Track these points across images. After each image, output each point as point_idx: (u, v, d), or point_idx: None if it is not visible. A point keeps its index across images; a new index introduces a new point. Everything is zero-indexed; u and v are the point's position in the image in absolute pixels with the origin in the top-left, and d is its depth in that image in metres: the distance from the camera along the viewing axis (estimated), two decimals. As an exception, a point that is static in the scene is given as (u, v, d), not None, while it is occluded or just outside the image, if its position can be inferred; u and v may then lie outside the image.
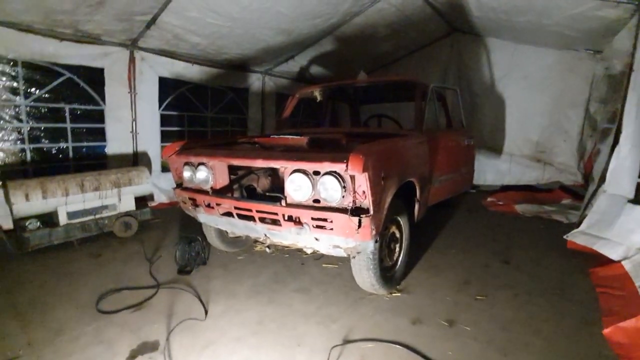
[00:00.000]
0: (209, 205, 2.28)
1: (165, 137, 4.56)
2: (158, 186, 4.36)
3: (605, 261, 2.59)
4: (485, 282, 2.42)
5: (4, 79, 3.34)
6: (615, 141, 2.99)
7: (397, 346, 1.70)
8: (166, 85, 4.54)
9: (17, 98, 3.42)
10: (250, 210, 2.05)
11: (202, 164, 2.31)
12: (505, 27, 4.78)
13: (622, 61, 3.63)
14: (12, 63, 3.35)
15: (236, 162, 2.17)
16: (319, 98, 3.80)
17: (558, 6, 3.51)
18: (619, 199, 2.82)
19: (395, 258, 2.36)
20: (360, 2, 4.29)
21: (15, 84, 3.40)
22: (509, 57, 5.36)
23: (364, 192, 1.74)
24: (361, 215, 1.72)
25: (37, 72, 3.54)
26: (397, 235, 2.35)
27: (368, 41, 5.38)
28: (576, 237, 2.97)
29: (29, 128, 3.53)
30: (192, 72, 4.73)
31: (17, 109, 3.44)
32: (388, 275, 2.24)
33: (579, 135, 5.04)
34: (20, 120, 3.47)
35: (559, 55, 4.95)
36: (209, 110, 5.27)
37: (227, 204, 2.17)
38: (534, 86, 5.24)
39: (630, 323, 1.78)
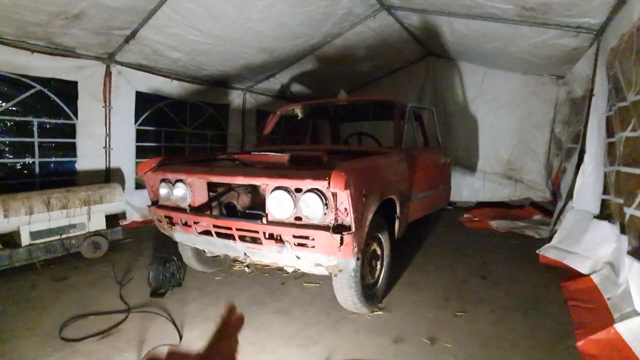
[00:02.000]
0: (186, 224, 2.20)
1: (141, 152, 4.43)
2: (131, 204, 4.19)
3: (575, 275, 2.69)
4: (464, 298, 2.45)
5: (-34, 90, 3.17)
6: (580, 160, 3.19)
7: (380, 367, 1.68)
8: (143, 100, 4.45)
9: (-20, 110, 3.25)
10: (230, 229, 2.00)
11: (180, 180, 2.25)
12: (476, 53, 5.08)
13: (582, 86, 3.93)
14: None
15: (216, 178, 2.13)
16: (300, 115, 3.84)
17: (523, 34, 3.78)
18: (586, 215, 2.97)
19: (376, 275, 2.35)
20: (340, 25, 4.44)
21: (-22, 96, 3.23)
22: (480, 80, 5.67)
23: (345, 209, 1.75)
24: (343, 233, 1.72)
25: (4, 84, 3.38)
26: (379, 252, 2.35)
27: (348, 61, 5.54)
28: (547, 252, 3.09)
29: (-9, 142, 3.34)
30: (171, 87, 4.67)
31: (-21, 122, 3.26)
32: (370, 293, 2.22)
33: (545, 154, 5.34)
34: (-18, 134, 3.27)
35: (524, 79, 5.30)
36: (188, 126, 5.19)
37: (206, 222, 2.11)
38: (503, 108, 5.55)
39: (601, 335, 1.84)
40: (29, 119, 3.56)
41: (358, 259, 1.95)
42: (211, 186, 2.34)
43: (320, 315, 2.19)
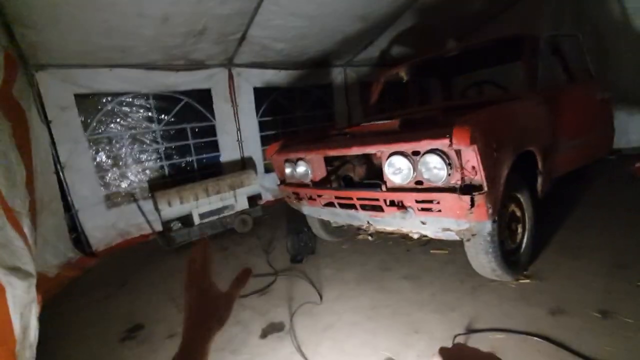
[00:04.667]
0: (311, 198, 2.39)
1: (265, 141, 5.00)
2: (264, 186, 4.81)
3: None
4: (648, 265, 1.93)
5: (141, 110, 4.16)
6: None
7: (536, 339, 1.49)
8: (260, 94, 4.96)
9: (153, 125, 4.22)
10: (350, 199, 2.08)
11: (301, 159, 2.43)
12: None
13: None
14: (145, 97, 4.14)
15: (332, 152, 2.22)
16: (405, 78, 3.61)
17: None
18: None
19: (518, 240, 2.08)
20: (442, -37, 3.89)
21: (150, 114, 4.19)
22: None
23: (473, 167, 1.57)
24: (473, 193, 1.56)
25: (163, 101, 4.29)
26: (518, 214, 2.05)
27: (455, 4, 4.85)
28: None
29: (164, 148, 4.32)
30: (280, 77, 5.06)
31: (153, 134, 4.25)
32: (511, 259, 1.98)
33: None
34: (157, 142, 4.27)
35: None
36: (299, 110, 5.56)
37: (328, 195, 2.24)
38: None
39: None
40: (184, 125, 4.45)
41: (494, 221, 1.75)
42: (328, 161, 2.46)
43: (453, 282, 2.09)
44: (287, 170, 2.60)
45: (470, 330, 1.62)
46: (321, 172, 2.43)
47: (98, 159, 3.96)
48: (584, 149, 2.87)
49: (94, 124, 3.85)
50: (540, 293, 1.83)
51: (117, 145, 4.08)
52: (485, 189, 1.58)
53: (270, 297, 2.27)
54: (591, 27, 4.71)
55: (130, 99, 4.06)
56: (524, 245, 2.09)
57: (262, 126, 5.05)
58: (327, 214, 2.45)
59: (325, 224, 2.85)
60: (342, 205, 2.18)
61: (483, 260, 1.87)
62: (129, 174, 4.14)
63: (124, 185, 4.10)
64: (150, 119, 4.22)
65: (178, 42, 3.65)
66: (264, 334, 1.87)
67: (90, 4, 2.74)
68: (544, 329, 1.55)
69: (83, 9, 2.76)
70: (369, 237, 2.94)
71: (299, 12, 3.79)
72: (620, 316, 1.56)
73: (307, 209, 2.59)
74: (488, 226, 1.73)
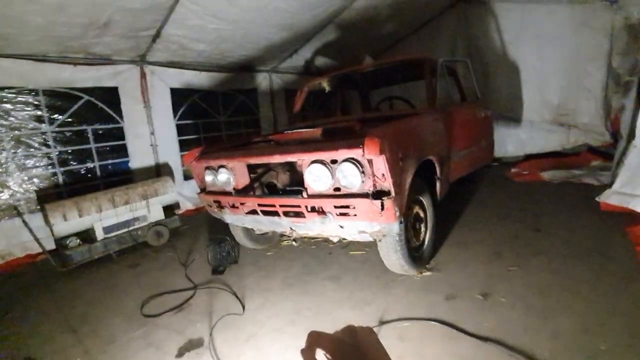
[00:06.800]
0: (233, 206, 2.34)
1: (183, 146, 4.68)
2: (182, 194, 4.50)
3: (643, 219, 2.49)
4: (517, 252, 2.38)
5: (28, 108, 3.53)
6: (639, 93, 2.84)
7: (433, 322, 1.72)
8: (178, 96, 4.65)
9: (43, 125, 3.61)
10: (273, 206, 2.10)
11: (222, 166, 2.37)
12: (511, -11, 4.58)
13: (642, 7, 3.42)
14: (33, 93, 3.53)
15: (254, 160, 2.22)
16: (327, 88, 3.80)
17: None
18: (653, 153, 2.68)
19: (421, 238, 2.36)
20: (358, -14, 4.22)
21: (39, 112, 3.58)
22: (519, 19, 5.14)
23: (383, 174, 1.75)
24: (383, 198, 1.74)
25: (58, 99, 3.71)
26: (422, 214, 2.34)
27: (371, 24, 5.29)
28: (609, 198, 2.86)
29: (57, 152, 3.72)
30: (201, 79, 4.82)
31: (44, 136, 3.64)
32: (416, 255, 2.24)
33: (602, 92, 4.79)
34: (48, 146, 3.66)
35: (571, 9, 4.71)
36: (222, 115, 5.36)
37: (251, 202, 2.23)
38: (548, 46, 5.01)
39: (676, 278, 1.72)
40: (84, 127, 3.91)
41: (401, 222, 1.96)
42: (251, 168, 2.45)
43: (370, 279, 2.27)
44: (208, 178, 2.50)
45: (381, 322, 1.78)
46: (244, 180, 2.40)
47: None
48: (473, 157, 3.40)
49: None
50: (438, 283, 2.11)
51: (-6, 149, 3.38)
52: (393, 194, 1.77)
53: (188, 313, 2.14)
54: (478, 55, 5.63)
55: (14, 95, 3.42)
56: (426, 242, 2.38)
57: (181, 130, 4.74)
58: (250, 222, 2.43)
59: (248, 232, 2.81)
60: (265, 213, 2.19)
61: (393, 257, 2.08)
62: (11, 183, 3.46)
63: (3, 196, 3.41)
64: (39, 119, 3.60)
65: (76, 33, 3.22)
66: (180, 353, 1.75)
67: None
68: (441, 313, 1.79)
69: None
70: (293, 243, 3.00)
71: (221, 14, 3.69)
72: (497, 296, 1.90)
73: (229, 217, 2.52)
74: (396, 227, 1.93)
